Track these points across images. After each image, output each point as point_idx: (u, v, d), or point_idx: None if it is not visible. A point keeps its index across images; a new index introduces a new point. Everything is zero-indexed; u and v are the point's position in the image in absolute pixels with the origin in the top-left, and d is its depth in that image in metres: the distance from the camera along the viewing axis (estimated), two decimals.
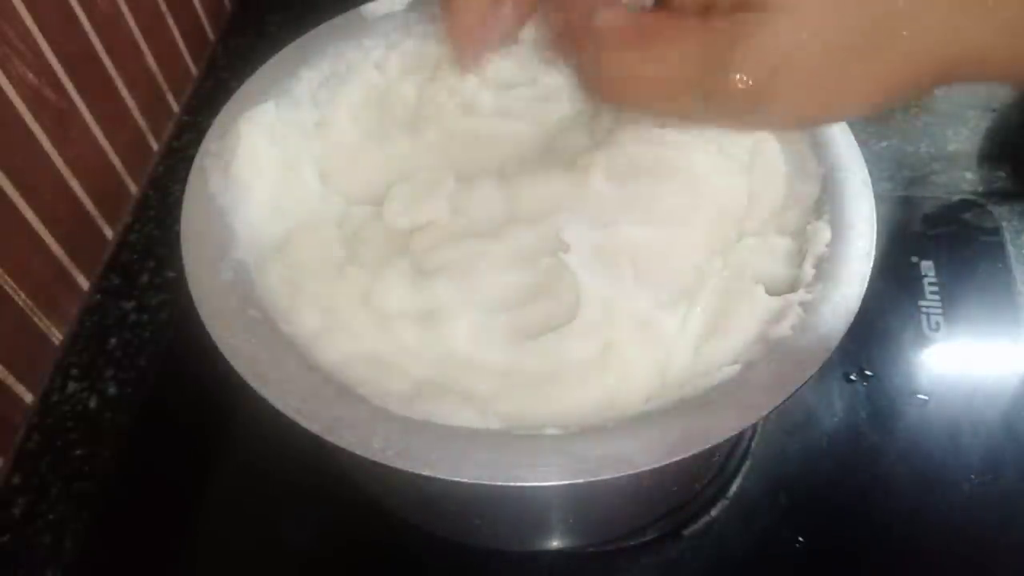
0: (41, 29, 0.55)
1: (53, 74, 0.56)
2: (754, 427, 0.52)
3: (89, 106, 0.60)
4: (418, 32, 0.51)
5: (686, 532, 0.49)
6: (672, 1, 0.38)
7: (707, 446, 0.33)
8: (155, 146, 0.71)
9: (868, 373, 0.55)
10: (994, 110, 0.71)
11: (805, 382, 0.35)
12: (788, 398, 0.35)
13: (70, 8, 0.58)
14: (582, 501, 0.43)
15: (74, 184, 0.59)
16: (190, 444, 0.54)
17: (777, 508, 0.50)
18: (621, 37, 0.36)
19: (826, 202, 0.42)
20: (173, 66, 0.73)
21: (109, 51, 0.63)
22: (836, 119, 0.41)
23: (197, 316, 0.37)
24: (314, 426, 0.34)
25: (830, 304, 0.37)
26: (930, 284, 0.59)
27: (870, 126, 0.70)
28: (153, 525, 0.51)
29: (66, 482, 0.53)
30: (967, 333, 0.57)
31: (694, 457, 0.33)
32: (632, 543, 0.49)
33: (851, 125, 0.45)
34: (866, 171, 0.43)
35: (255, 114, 0.44)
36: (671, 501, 0.49)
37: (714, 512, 0.50)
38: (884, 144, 0.69)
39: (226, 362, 0.35)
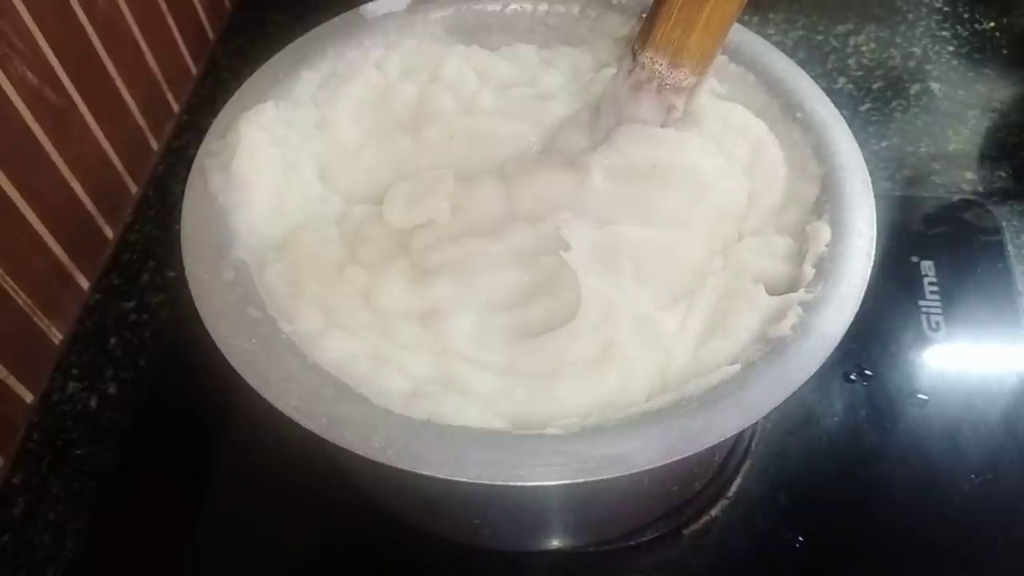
0: (41, 29, 0.55)
1: (53, 74, 0.56)
2: (754, 427, 0.52)
3: (89, 106, 0.60)
4: (418, 32, 0.51)
5: (686, 532, 0.49)
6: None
7: (707, 446, 0.33)
8: (155, 146, 0.71)
9: (868, 373, 0.55)
10: (994, 110, 0.71)
11: (805, 382, 0.35)
12: (788, 398, 0.35)
13: (70, 8, 0.58)
14: (582, 501, 0.43)
15: (74, 184, 0.59)
16: (190, 444, 0.54)
17: (777, 508, 0.50)
18: None
19: (826, 202, 0.42)
20: (173, 66, 0.73)
21: (109, 51, 0.63)
22: None
23: (197, 316, 0.37)
24: (314, 425, 0.34)
25: (830, 304, 0.37)
26: (930, 284, 0.59)
27: (870, 126, 0.70)
28: (153, 525, 0.51)
29: (66, 482, 0.53)
30: (967, 333, 0.57)
31: (694, 457, 0.33)
32: (632, 543, 0.49)
33: (851, 125, 0.45)
34: (866, 171, 0.43)
35: (255, 114, 0.44)
36: (671, 501, 0.49)
37: (714, 512, 0.50)
38: (884, 144, 0.69)
39: (226, 362, 0.35)
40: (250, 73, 0.47)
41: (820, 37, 0.78)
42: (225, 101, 0.45)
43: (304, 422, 0.34)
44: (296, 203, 0.44)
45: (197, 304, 0.37)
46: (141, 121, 0.68)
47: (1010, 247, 0.61)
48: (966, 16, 0.79)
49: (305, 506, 0.50)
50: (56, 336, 0.59)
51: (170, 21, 0.72)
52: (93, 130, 0.61)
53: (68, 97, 0.58)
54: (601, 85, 0.46)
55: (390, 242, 0.43)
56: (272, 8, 0.84)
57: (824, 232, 0.40)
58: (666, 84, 0.41)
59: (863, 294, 0.38)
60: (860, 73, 0.74)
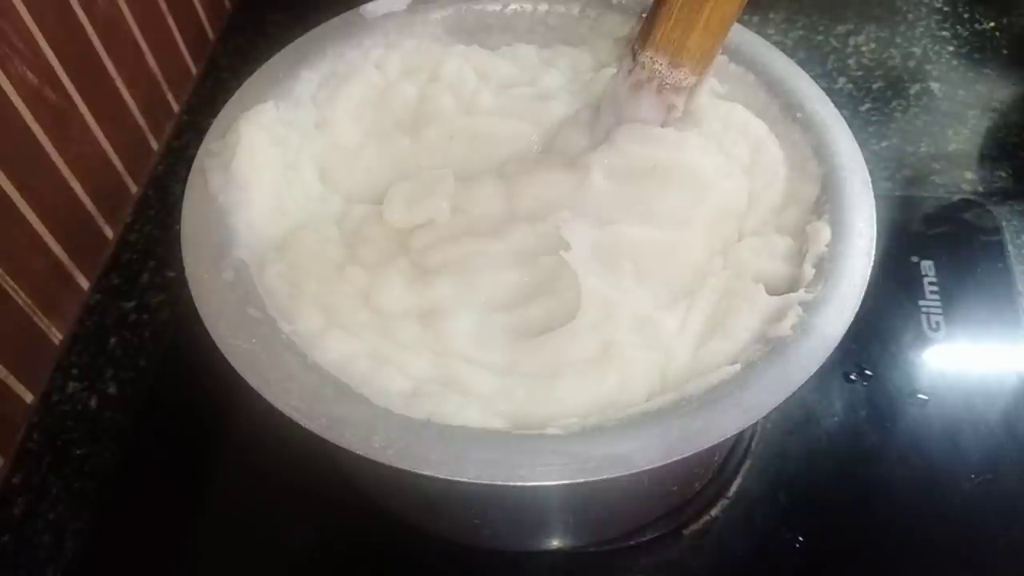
0: (41, 29, 0.55)
1: (53, 74, 0.56)
2: (754, 427, 0.52)
3: (89, 106, 0.60)
4: (418, 32, 0.51)
5: (686, 532, 0.49)
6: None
7: (707, 446, 0.33)
8: (155, 146, 0.71)
9: (868, 373, 0.55)
10: (994, 110, 0.71)
11: (805, 382, 0.35)
12: (788, 398, 0.35)
13: (70, 8, 0.58)
14: (582, 501, 0.43)
15: (74, 184, 0.59)
16: (190, 444, 0.54)
17: (777, 508, 0.50)
18: None
19: (826, 202, 0.42)
20: (173, 66, 0.73)
21: (109, 51, 0.63)
22: None
23: (197, 316, 0.37)
24: (314, 425, 0.34)
25: (830, 304, 0.37)
26: (930, 284, 0.59)
27: (870, 126, 0.70)
28: (153, 525, 0.51)
29: (66, 482, 0.53)
30: (967, 333, 0.57)
31: (694, 457, 0.33)
32: (632, 543, 0.49)
33: (851, 125, 0.45)
34: (866, 171, 0.43)
35: (255, 114, 0.44)
36: (671, 501, 0.49)
37: (714, 512, 0.50)
38: (884, 144, 0.69)
39: (226, 362, 0.35)
40: (250, 73, 0.47)
41: (820, 37, 0.78)
42: (225, 101, 0.45)
43: (304, 422, 0.34)
44: (296, 203, 0.44)
45: (197, 304, 0.37)
46: (141, 121, 0.68)
47: (1010, 247, 0.61)
48: (966, 16, 0.79)
49: (305, 506, 0.50)
50: (56, 336, 0.59)
51: (170, 21, 0.72)
52: (93, 130, 0.61)
53: (68, 97, 0.58)
54: (601, 85, 0.46)
55: (390, 242, 0.43)
56: (272, 8, 0.84)
57: (824, 232, 0.40)
58: (666, 84, 0.41)
59: (863, 294, 0.38)
60: (860, 73, 0.74)
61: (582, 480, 0.32)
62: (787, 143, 0.45)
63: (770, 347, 0.36)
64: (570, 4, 0.52)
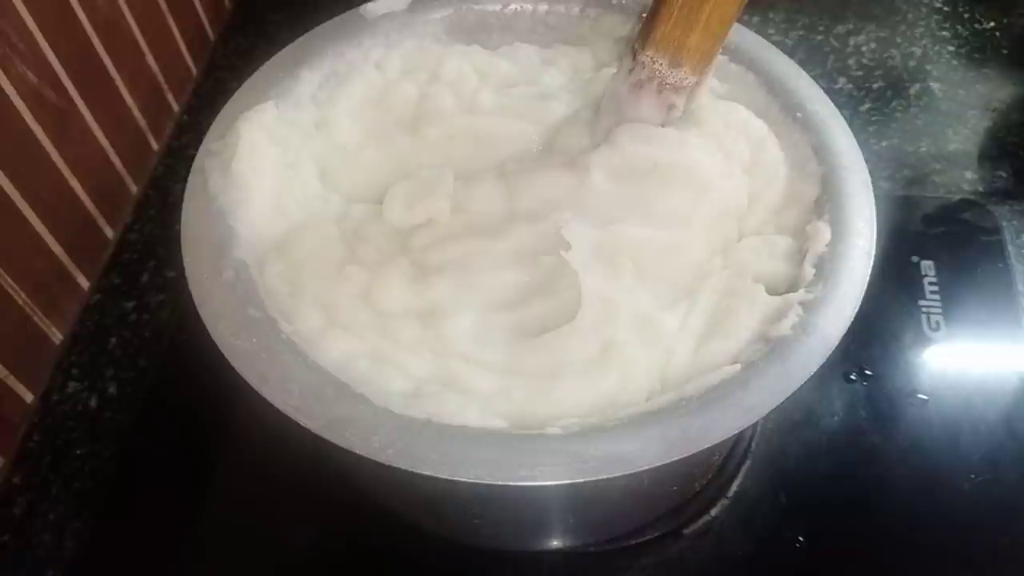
0: (41, 29, 0.54)
1: (53, 74, 0.56)
2: (754, 427, 0.52)
3: (89, 106, 0.60)
4: (418, 32, 0.51)
5: (686, 532, 0.49)
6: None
7: (707, 446, 0.33)
8: (155, 146, 0.71)
9: (868, 373, 0.55)
10: (994, 110, 0.71)
11: (805, 382, 0.35)
12: (788, 398, 0.35)
13: (70, 8, 0.58)
14: (583, 501, 0.43)
15: (74, 184, 0.59)
16: (190, 444, 0.54)
17: (777, 508, 0.50)
18: None
19: (826, 202, 0.42)
20: (173, 66, 0.73)
21: (109, 51, 0.63)
22: None
23: (197, 316, 0.37)
24: (314, 425, 0.34)
25: (830, 303, 0.37)
26: (930, 284, 0.59)
27: (870, 126, 0.70)
28: (153, 525, 0.51)
29: (66, 482, 0.53)
30: (967, 333, 0.57)
31: (694, 457, 0.33)
32: (632, 543, 0.49)
33: (851, 125, 0.45)
34: (866, 171, 0.43)
35: (255, 114, 0.44)
36: (671, 501, 0.49)
37: (714, 512, 0.50)
38: (884, 144, 0.69)
39: (226, 362, 0.35)
40: (250, 73, 0.47)
41: (820, 37, 0.78)
42: (225, 101, 0.45)
43: (304, 421, 0.34)
44: (296, 203, 0.44)
45: (197, 304, 0.37)
46: (141, 121, 0.68)
47: (1010, 247, 0.61)
48: (966, 16, 0.79)
49: (305, 506, 0.50)
50: (56, 336, 0.59)
51: (170, 21, 0.72)
52: (93, 130, 0.61)
53: (68, 97, 0.58)
54: (601, 85, 0.46)
55: (390, 241, 0.43)
56: (272, 8, 0.84)
57: (824, 232, 0.40)
58: (666, 83, 0.41)
59: (863, 294, 0.38)
60: (860, 73, 0.74)
61: (582, 480, 0.32)
62: (787, 143, 0.45)
63: (770, 347, 0.36)
64: (570, 4, 0.52)
